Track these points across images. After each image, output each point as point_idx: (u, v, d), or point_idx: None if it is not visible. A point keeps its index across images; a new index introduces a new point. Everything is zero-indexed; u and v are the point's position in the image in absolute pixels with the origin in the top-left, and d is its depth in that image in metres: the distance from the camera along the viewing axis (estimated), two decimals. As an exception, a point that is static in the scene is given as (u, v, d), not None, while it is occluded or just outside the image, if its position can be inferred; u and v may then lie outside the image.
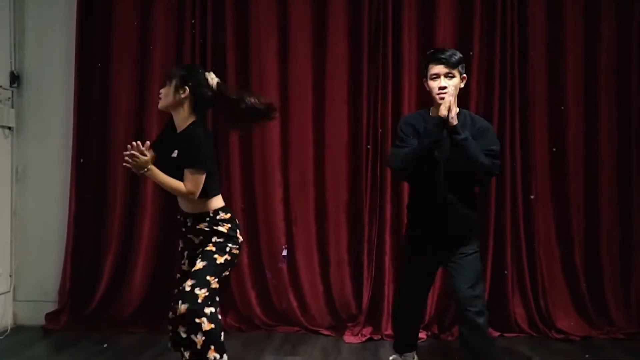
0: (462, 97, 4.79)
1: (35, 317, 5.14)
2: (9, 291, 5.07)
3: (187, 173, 3.37)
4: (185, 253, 3.62)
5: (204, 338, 3.28)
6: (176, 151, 3.43)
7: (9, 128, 5.16)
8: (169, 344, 3.54)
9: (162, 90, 3.50)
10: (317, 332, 5.01)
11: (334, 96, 5.14)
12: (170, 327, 3.49)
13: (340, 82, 5.13)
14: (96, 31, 5.18)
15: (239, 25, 5.14)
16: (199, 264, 3.39)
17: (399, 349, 4.07)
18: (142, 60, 5.17)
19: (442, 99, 3.56)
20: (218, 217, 3.48)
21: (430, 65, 3.64)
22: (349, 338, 4.86)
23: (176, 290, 3.45)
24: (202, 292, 3.30)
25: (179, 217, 3.71)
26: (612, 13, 5.08)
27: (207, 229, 3.48)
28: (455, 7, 5.08)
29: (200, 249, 3.48)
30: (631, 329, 5.01)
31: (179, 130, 3.49)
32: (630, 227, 5.10)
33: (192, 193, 3.38)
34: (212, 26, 5.11)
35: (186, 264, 3.60)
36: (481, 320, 3.55)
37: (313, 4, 5.12)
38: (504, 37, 5.02)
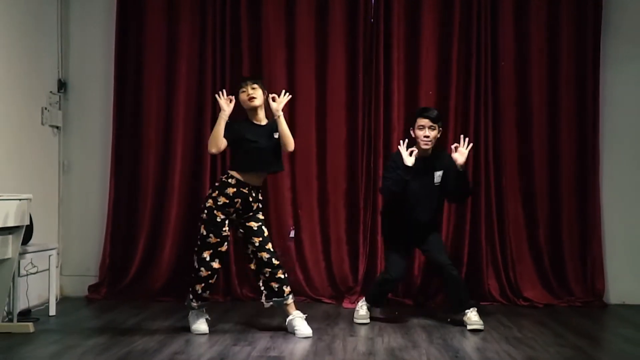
0: (443, 102, 5.52)
1: (79, 289, 5.77)
2: (57, 266, 5.42)
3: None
4: (227, 222, 4.38)
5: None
6: (277, 133, 4.40)
7: (57, 127, 5.76)
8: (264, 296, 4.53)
9: (254, 92, 4.37)
10: (320, 301, 5.60)
11: (334, 101, 5.72)
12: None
13: (339, 89, 5.72)
14: (131, 44, 5.75)
15: (253, 40, 5.70)
16: (266, 230, 4.50)
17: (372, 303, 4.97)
18: (169, 70, 5.74)
19: (426, 144, 4.69)
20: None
21: (418, 119, 4.71)
22: (347, 304, 5.45)
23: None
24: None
25: (237, 191, 4.39)
26: (570, 30, 5.70)
27: (261, 196, 4.47)
28: (437, 27, 5.69)
29: (253, 215, 4.43)
30: (587, 298, 5.62)
31: (263, 123, 4.45)
32: (586, 211, 5.71)
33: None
34: (230, 40, 5.68)
35: (227, 230, 4.38)
36: (455, 271, 4.76)
37: (316, 24, 5.69)
38: (479, 50, 5.63)
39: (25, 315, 4.91)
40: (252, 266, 4.54)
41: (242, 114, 4.55)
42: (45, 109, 5.58)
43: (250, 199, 4.45)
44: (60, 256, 5.76)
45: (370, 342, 4.33)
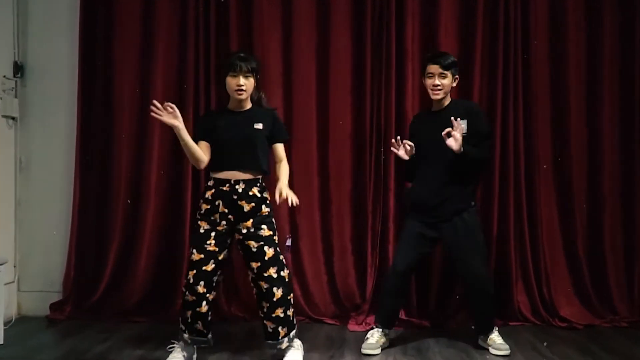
0: (465, 88, 4.97)
1: (40, 307, 5.12)
2: (13, 281, 5.04)
3: (281, 147, 4.02)
4: (213, 234, 3.75)
5: (293, 310, 3.88)
6: (261, 124, 3.89)
7: (13, 118, 5.14)
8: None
9: (246, 82, 3.83)
10: (321, 321, 5.00)
11: (338, 86, 5.14)
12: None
13: (344, 72, 5.13)
14: (100, 21, 5.15)
15: (243, 17, 5.11)
16: (269, 251, 3.80)
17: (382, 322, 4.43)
18: (145, 53, 5.14)
19: (436, 94, 4.30)
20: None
21: (428, 65, 4.33)
22: (353, 327, 4.85)
23: (216, 276, 3.83)
24: (286, 273, 3.85)
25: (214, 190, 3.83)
26: (613, 2, 5.09)
27: (258, 194, 3.87)
28: None
29: (253, 231, 3.80)
30: (634, 317, 5.00)
31: (244, 109, 3.94)
32: (633, 216, 5.10)
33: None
34: (216, 18, 5.08)
35: (212, 244, 3.75)
36: (490, 285, 4.37)
37: None
38: (507, 27, 5.01)
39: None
40: (255, 295, 3.94)
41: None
42: (-2, 96, 4.95)
43: (235, 197, 3.80)
44: (18, 269, 5.19)
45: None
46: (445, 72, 4.27)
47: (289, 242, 4.95)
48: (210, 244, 3.76)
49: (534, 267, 5.05)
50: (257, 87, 3.97)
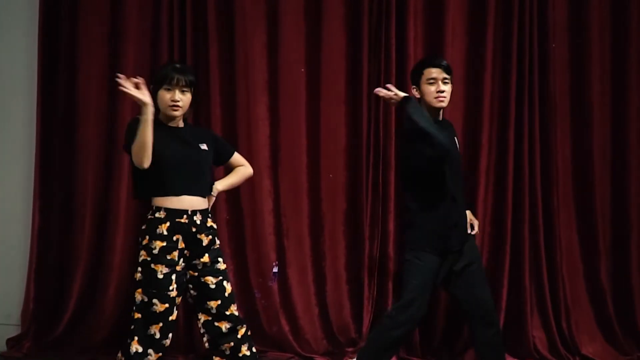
0: (475, 96, 4.71)
1: None
2: None
3: (237, 156, 3.69)
4: (173, 277, 3.32)
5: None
6: (205, 144, 3.51)
7: None
8: None
9: (182, 98, 3.40)
10: (312, 359, 4.67)
11: (330, 94, 4.86)
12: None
13: (337, 79, 4.86)
14: (62, 15, 4.88)
15: (223, 15, 4.84)
16: (228, 286, 3.45)
17: None
18: (112, 54, 4.85)
19: (441, 101, 3.79)
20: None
21: (427, 70, 3.83)
22: None
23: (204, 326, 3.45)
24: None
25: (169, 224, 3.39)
26: None
27: (214, 225, 3.53)
28: None
29: (210, 265, 3.42)
30: None
31: (180, 126, 3.49)
32: None
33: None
34: (192, 15, 4.80)
35: (174, 289, 3.33)
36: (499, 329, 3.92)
37: None
38: (521, 27, 4.76)
39: None
40: (206, 343, 3.47)
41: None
42: (-53, 104, 4.66)
43: (194, 229, 3.37)
44: None
45: None
46: (448, 76, 3.86)
47: (275, 270, 4.79)
48: (172, 290, 3.31)
49: (552, 298, 4.77)
50: (192, 104, 3.54)
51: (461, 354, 4.63)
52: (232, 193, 4.67)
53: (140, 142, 3.21)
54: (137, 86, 3.22)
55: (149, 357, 3.27)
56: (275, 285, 4.80)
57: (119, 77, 3.22)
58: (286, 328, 4.73)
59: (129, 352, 3.27)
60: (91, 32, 4.84)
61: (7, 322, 4.88)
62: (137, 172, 3.35)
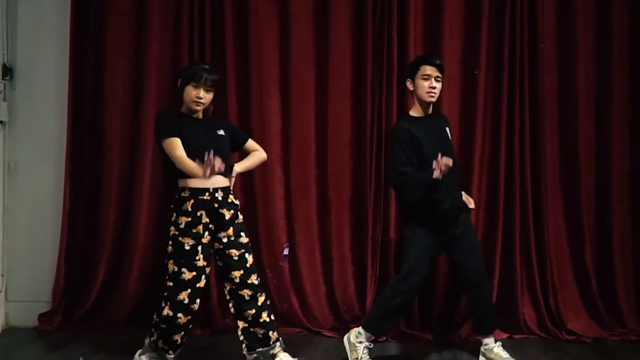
0: (469, 93, 4.90)
1: (28, 317, 4.99)
2: (0, 291, 4.91)
3: (251, 142, 4.05)
4: (199, 248, 3.63)
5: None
6: (222, 130, 3.86)
7: (1, 122, 4.99)
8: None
9: (206, 95, 3.75)
10: (320, 334, 4.87)
11: (337, 90, 5.01)
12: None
13: (343, 76, 5.00)
14: (90, 22, 5.00)
15: (238, 18, 4.98)
16: (250, 258, 3.80)
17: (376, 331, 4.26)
18: (137, 53, 4.99)
19: (432, 96, 4.11)
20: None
21: (423, 66, 4.13)
22: None
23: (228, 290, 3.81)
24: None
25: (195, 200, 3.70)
26: (623, 2, 4.97)
27: (235, 201, 3.85)
28: None
29: (234, 239, 3.75)
30: None
31: (201, 117, 3.86)
32: None
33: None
34: (210, 18, 4.94)
35: (201, 259, 3.65)
36: (489, 290, 4.29)
37: None
38: (513, 28, 4.90)
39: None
40: (232, 309, 3.82)
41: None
42: (-14, 99, 4.80)
43: (216, 205, 3.71)
44: (5, 278, 5.04)
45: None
46: (441, 75, 4.15)
47: (286, 252, 4.97)
48: (199, 260, 3.65)
49: (541, 279, 4.93)
50: (212, 102, 3.87)
51: (457, 328, 4.83)
52: (246, 180, 4.91)
53: (187, 170, 3.61)
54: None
55: (178, 319, 3.61)
56: (286, 266, 4.98)
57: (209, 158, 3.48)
58: (296, 305, 4.92)
59: (162, 315, 3.62)
60: (117, 35, 4.97)
61: (39, 300, 5.04)
62: (166, 159, 3.70)
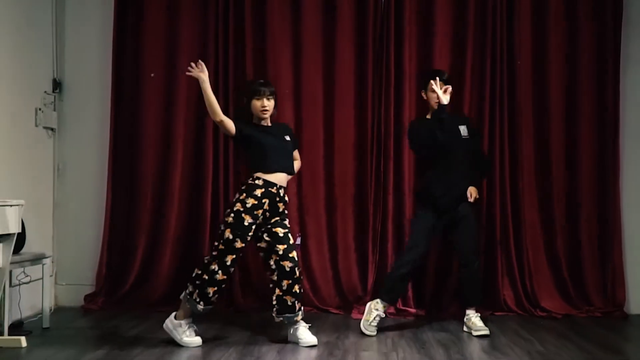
0: (457, 104, 5.29)
1: (75, 299, 5.54)
2: (51, 275, 5.26)
3: (296, 152, 4.59)
4: (253, 227, 4.27)
5: None
6: (288, 137, 4.46)
7: (52, 129, 5.54)
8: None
9: (269, 104, 4.37)
10: (327, 311, 5.37)
11: (342, 101, 5.51)
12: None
13: (348, 89, 5.51)
14: (129, 42, 5.55)
15: (257, 38, 5.50)
16: (291, 238, 4.41)
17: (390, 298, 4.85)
18: (169, 70, 5.52)
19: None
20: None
21: (432, 82, 4.67)
22: (355, 315, 5.22)
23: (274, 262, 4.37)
24: None
25: (263, 192, 4.29)
26: (589, 27, 5.49)
27: (287, 198, 4.46)
28: (450, 22, 5.49)
29: (280, 221, 4.38)
30: (607, 308, 5.40)
31: (270, 124, 4.46)
32: (606, 217, 5.50)
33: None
34: (233, 39, 5.47)
35: (250, 238, 4.29)
36: (477, 270, 4.87)
37: (323, 20, 5.50)
38: (494, 48, 5.42)
39: (17, 327, 4.67)
40: (274, 277, 4.41)
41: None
42: (40, 109, 5.36)
43: (277, 199, 4.37)
44: (55, 264, 5.55)
45: (384, 358, 4.10)
46: (447, 86, 4.70)
47: (298, 241, 5.33)
48: (250, 236, 4.29)
49: (518, 264, 5.42)
50: (275, 106, 4.48)
51: (447, 307, 5.34)
52: None
53: (209, 102, 4.24)
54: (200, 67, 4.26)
55: (217, 274, 4.25)
56: (298, 253, 5.12)
57: (190, 65, 4.25)
58: (307, 287, 5.37)
59: (207, 268, 4.27)
60: (152, 50, 5.48)
61: (84, 283, 5.58)
62: (248, 153, 4.39)
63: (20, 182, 5.02)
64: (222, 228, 4.30)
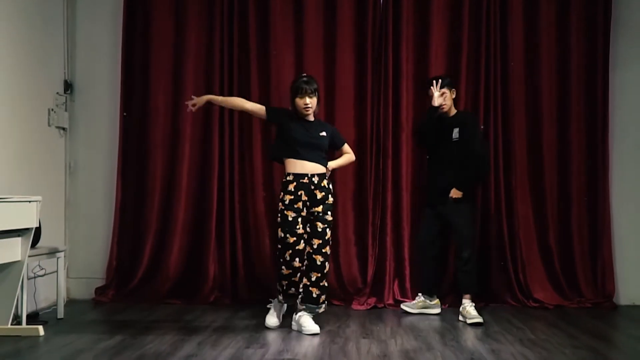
0: (454, 103, 5.36)
1: (86, 291, 5.74)
2: (64, 269, 5.36)
3: (346, 146, 4.89)
4: (299, 220, 4.53)
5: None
6: (324, 132, 4.70)
7: (64, 129, 5.73)
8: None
9: (311, 101, 4.63)
10: (329, 303, 5.34)
11: (343, 102, 5.68)
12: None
13: (348, 90, 5.68)
14: (137, 45, 5.74)
15: (260, 40, 5.68)
16: (328, 233, 4.61)
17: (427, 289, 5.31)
18: (176, 71, 5.71)
19: (443, 108, 5.14)
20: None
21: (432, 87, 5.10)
22: (356, 306, 5.44)
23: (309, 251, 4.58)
24: None
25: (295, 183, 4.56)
26: (579, 29, 5.68)
27: (327, 186, 4.66)
28: (446, 25, 5.69)
29: (322, 214, 4.59)
30: (597, 299, 5.60)
31: (311, 119, 4.71)
32: (596, 212, 5.70)
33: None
34: (237, 41, 5.65)
35: (301, 228, 4.54)
36: (469, 263, 5.14)
37: (324, 23, 5.68)
38: (488, 50, 5.61)
39: (33, 318, 4.88)
40: (304, 267, 4.63)
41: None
42: (52, 110, 5.55)
43: (312, 187, 4.59)
44: (67, 258, 5.72)
45: (384, 344, 4.31)
46: (447, 91, 5.12)
47: None
48: (299, 228, 4.53)
49: (512, 257, 5.61)
50: (318, 103, 4.73)
51: (443, 297, 5.49)
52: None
53: (226, 105, 4.90)
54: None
55: (283, 270, 4.57)
56: None
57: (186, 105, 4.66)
58: None
59: (278, 265, 4.60)
60: (160, 53, 5.64)
61: (95, 276, 5.77)
62: (279, 137, 4.66)
63: (34, 179, 5.20)
64: (277, 229, 4.61)
